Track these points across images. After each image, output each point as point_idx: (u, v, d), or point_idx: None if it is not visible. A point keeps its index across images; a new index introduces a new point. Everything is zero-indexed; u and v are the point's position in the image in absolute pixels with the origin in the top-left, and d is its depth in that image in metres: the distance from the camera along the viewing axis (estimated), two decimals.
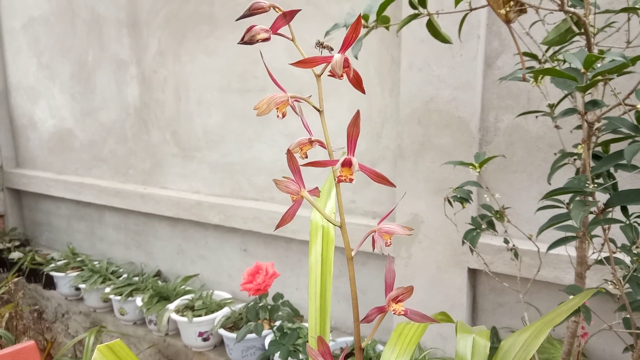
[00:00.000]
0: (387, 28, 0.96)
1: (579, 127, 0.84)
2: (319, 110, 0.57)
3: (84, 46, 2.41)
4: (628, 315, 0.79)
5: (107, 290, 2.09)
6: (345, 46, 0.52)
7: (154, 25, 2.10)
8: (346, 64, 0.51)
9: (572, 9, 0.74)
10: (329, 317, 0.65)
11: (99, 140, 2.46)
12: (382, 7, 0.89)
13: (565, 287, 0.84)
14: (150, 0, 2.09)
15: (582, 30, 0.78)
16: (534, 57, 0.94)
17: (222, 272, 2.10)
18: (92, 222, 2.59)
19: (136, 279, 2.15)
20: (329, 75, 0.53)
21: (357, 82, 0.54)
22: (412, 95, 1.40)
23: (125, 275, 2.20)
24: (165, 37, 2.08)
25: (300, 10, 0.54)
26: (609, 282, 0.79)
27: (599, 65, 0.67)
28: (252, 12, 0.55)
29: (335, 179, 0.52)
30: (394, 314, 0.54)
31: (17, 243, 2.74)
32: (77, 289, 2.28)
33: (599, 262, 0.84)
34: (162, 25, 2.07)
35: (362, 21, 0.92)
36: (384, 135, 1.59)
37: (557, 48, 0.92)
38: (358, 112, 0.51)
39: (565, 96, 0.88)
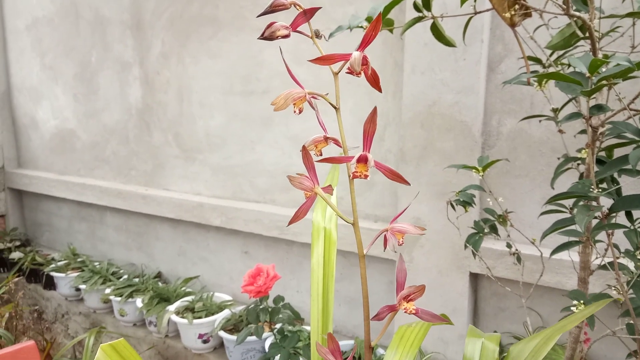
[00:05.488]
0: (390, 31, 0.96)
1: (583, 131, 0.84)
2: (335, 108, 0.56)
3: (87, 47, 2.42)
4: (631, 321, 0.78)
5: (108, 291, 2.09)
6: (363, 44, 0.51)
7: (157, 26, 2.11)
8: (364, 61, 0.50)
9: (576, 13, 0.74)
10: (331, 319, 0.65)
11: (101, 141, 2.47)
12: (387, 10, 0.89)
13: (567, 292, 0.84)
14: (154, 2, 2.09)
15: (587, 35, 0.78)
16: (538, 61, 0.93)
17: (223, 274, 2.09)
18: (94, 222, 2.59)
19: (137, 280, 2.15)
20: (347, 73, 0.52)
21: (374, 81, 0.53)
22: (415, 98, 1.40)
23: (125, 277, 2.20)
24: (168, 39, 2.08)
25: (320, 7, 0.54)
26: (613, 288, 0.79)
27: (603, 69, 0.67)
28: (273, 8, 0.55)
29: (350, 175, 0.51)
30: (405, 312, 0.53)
31: (17, 243, 2.74)
32: (78, 289, 2.28)
33: (602, 267, 0.84)
34: (165, 27, 2.08)
35: (365, 23, 0.92)
36: (386, 139, 1.59)
37: (561, 52, 0.92)
38: (375, 109, 0.51)
39: (569, 100, 0.88)
